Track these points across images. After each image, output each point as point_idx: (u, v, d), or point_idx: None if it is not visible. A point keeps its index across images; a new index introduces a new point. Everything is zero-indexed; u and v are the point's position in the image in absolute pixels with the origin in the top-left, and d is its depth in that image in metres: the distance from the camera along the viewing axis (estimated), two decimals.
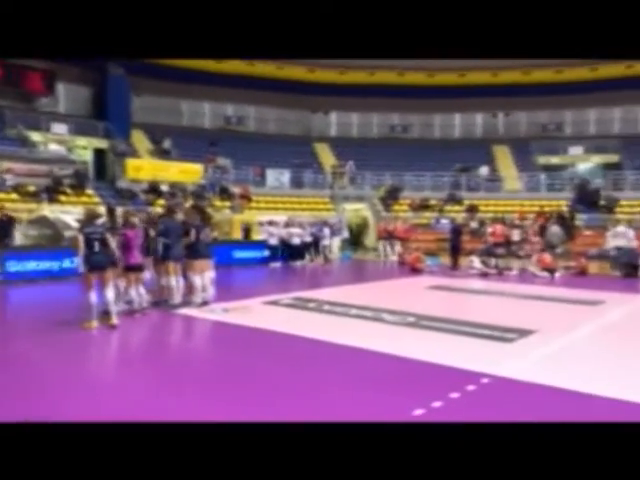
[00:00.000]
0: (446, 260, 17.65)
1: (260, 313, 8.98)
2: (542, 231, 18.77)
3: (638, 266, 15.25)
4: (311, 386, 5.20)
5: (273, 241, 17.52)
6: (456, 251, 17.02)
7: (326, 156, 30.10)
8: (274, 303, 9.85)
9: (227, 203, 22.92)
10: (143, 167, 23.04)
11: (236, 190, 23.99)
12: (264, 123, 31.77)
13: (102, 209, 12.59)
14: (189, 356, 6.56)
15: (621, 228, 16.82)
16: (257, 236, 18.68)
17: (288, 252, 17.75)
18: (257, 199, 24.57)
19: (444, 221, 23.65)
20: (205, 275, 9.39)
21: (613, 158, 28.19)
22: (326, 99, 30.88)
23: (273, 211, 23.21)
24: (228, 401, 4.71)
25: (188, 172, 23.78)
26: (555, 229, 17.90)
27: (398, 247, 19.67)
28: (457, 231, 17.60)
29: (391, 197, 26.05)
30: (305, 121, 32.43)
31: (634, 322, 9.00)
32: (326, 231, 18.92)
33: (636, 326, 8.62)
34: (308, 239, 18.10)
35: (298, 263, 17.64)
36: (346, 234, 23.36)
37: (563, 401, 4.86)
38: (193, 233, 9.22)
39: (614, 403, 4.76)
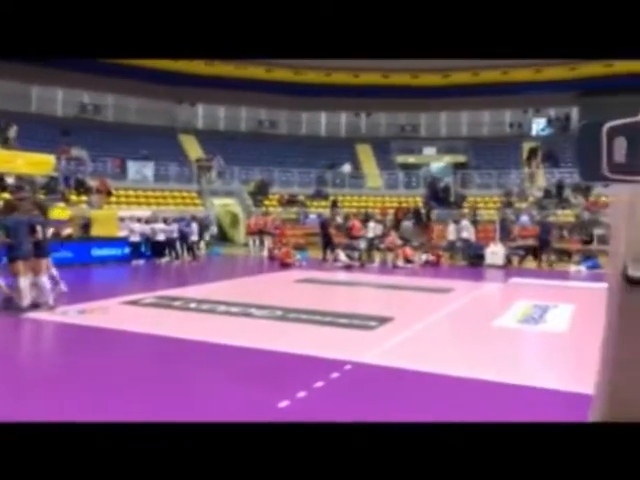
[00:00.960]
0: (316, 254, 18.20)
1: (119, 314, 8.50)
2: (397, 226, 20.16)
3: (483, 256, 16.92)
4: (172, 385, 5.03)
5: (135, 238, 16.68)
6: (326, 244, 17.62)
7: (193, 149, 29.28)
8: (134, 303, 9.38)
9: (84, 197, 21.33)
10: None
11: (94, 184, 22.40)
12: (125, 113, 30.01)
13: None
14: (36, 362, 6.01)
15: (464, 222, 18.71)
16: (117, 232, 17.58)
17: (152, 249, 17.01)
18: (118, 193, 23.19)
19: (312, 216, 24.28)
20: (42, 275, 8.71)
21: (461, 158, 30.94)
22: (192, 90, 30.01)
23: (136, 206, 22.08)
24: (80, 403, 4.39)
25: (37, 164, 21.65)
26: (407, 224, 19.26)
27: (268, 242, 19.79)
28: (324, 225, 18.32)
29: (260, 192, 26.12)
30: (170, 112, 31.24)
31: (479, 307, 9.98)
32: (194, 226, 18.40)
33: (480, 310, 9.57)
34: (174, 235, 17.47)
35: (163, 260, 16.92)
36: (215, 230, 22.99)
37: (420, 382, 5.24)
38: (40, 230, 8.52)
39: (463, 381, 5.23)
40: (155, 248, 17.01)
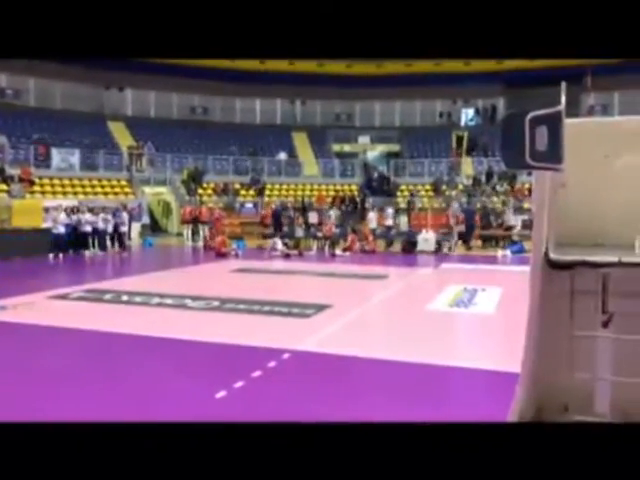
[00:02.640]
0: (252, 243, 18.14)
1: (46, 309, 8.10)
2: (336, 214, 20.43)
3: (416, 243, 17.40)
4: (107, 381, 4.86)
5: (59, 229, 15.70)
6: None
7: (122, 136, 28.14)
8: (63, 297, 8.96)
9: (4, 187, 20.06)
10: None
11: (14, 172, 21.10)
12: (48, 97, 28.36)
13: None
14: None
15: (389, 210, 19.85)
16: (41, 223, 16.64)
17: (78, 241, 16.13)
18: (42, 182, 21.97)
19: (248, 205, 24.05)
20: None
21: (395, 147, 31.55)
22: (120, 75, 28.73)
23: (62, 195, 21.03)
24: (11, 403, 4.15)
25: None
26: (335, 212, 19.58)
27: (205, 232, 19.40)
28: (278, 214, 18.75)
29: (194, 181, 25.53)
30: (97, 98, 29.85)
31: (413, 292, 10.26)
32: (123, 216, 17.68)
33: (414, 295, 9.84)
34: (101, 226, 16.74)
35: (89, 252, 16.11)
36: (146, 219, 22.30)
37: (358, 367, 5.34)
38: None
39: (399, 365, 5.37)
40: (80, 240, 16.17)
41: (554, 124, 2.93)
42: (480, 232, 18.97)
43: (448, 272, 12.95)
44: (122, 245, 17.26)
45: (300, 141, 31.41)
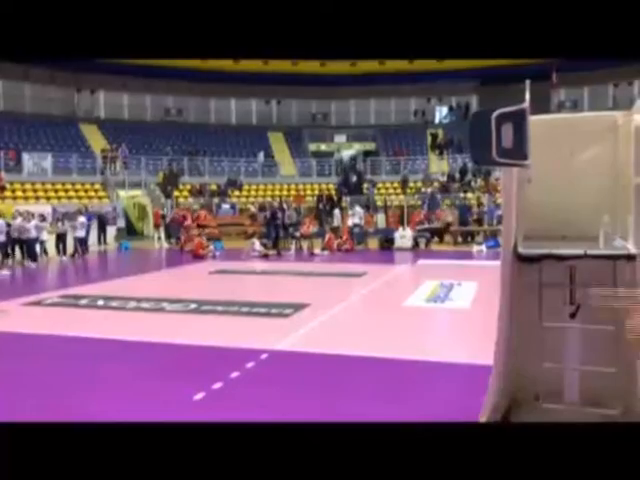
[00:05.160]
0: (230, 244, 18.08)
1: (21, 316, 7.95)
2: (318, 213, 20.56)
3: (393, 240, 17.53)
4: (86, 385, 4.80)
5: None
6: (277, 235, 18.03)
7: (95, 139, 27.72)
8: (37, 304, 8.80)
9: None
10: None
11: None
12: (17, 100, 27.77)
13: None
14: None
15: (357, 208, 20.13)
16: None
17: (21, 249, 14.62)
18: (13, 187, 21.53)
19: (225, 206, 23.92)
20: None
21: (371, 146, 31.70)
22: (92, 77, 28.32)
23: (34, 200, 20.65)
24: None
25: None
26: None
27: (182, 234, 19.18)
28: (275, 215, 18.66)
29: (170, 183, 25.29)
30: (69, 100, 29.35)
31: (390, 289, 10.34)
32: (81, 220, 16.58)
33: (391, 292, 9.91)
34: (44, 237, 15.24)
35: (32, 263, 14.30)
36: (122, 223, 22.02)
37: (336, 365, 5.37)
38: None
39: (377, 361, 5.42)
40: (24, 248, 14.56)
41: (519, 121, 3.00)
42: (459, 228, 19.22)
43: (425, 268, 13.08)
44: (75, 250, 16.09)
45: (276, 141, 31.35)
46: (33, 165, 23.33)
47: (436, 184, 25.87)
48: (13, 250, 14.68)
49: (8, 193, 21.02)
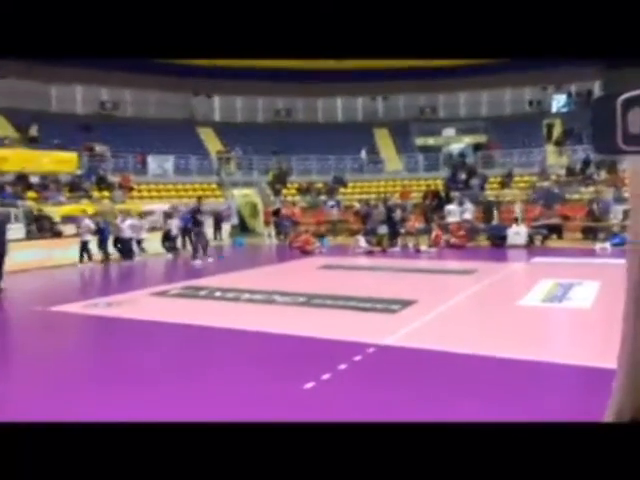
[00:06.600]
0: (335, 241, 18.38)
1: (148, 305, 8.70)
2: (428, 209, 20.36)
3: (505, 237, 16.77)
4: (205, 371, 5.16)
5: (86, 237, 14.48)
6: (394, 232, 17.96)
7: (211, 141, 29.45)
8: (162, 294, 9.57)
9: (106, 193, 21.68)
10: (9, 157, 21.01)
11: (115, 179, 22.74)
12: (143, 107, 30.28)
13: None
14: (82, 355, 6.21)
15: (467, 204, 19.23)
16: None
17: (118, 247, 15.47)
18: (139, 188, 23.51)
19: (331, 203, 24.28)
20: None
21: (481, 138, 30.50)
22: (208, 82, 30.08)
23: (157, 200, 22.38)
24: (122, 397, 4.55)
25: (62, 162, 22.06)
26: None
27: (292, 230, 19.82)
28: (391, 209, 18.79)
29: (279, 181, 26.20)
30: (187, 105, 31.43)
31: (503, 287, 9.92)
32: (172, 221, 16.95)
33: (504, 291, 9.51)
34: (143, 235, 15.98)
35: (127, 261, 15.13)
36: (235, 220, 23.19)
37: (445, 362, 5.28)
38: None
39: (488, 360, 5.26)
40: (121, 246, 15.48)
41: None
42: (583, 224, 17.98)
43: (541, 266, 12.37)
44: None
45: (382, 137, 31.23)
46: (157, 167, 25.33)
47: (553, 177, 24.32)
48: (115, 247, 15.53)
49: (135, 193, 22.98)
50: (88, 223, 14.61)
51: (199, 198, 17.51)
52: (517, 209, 19.39)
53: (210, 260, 14.71)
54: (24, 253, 12.61)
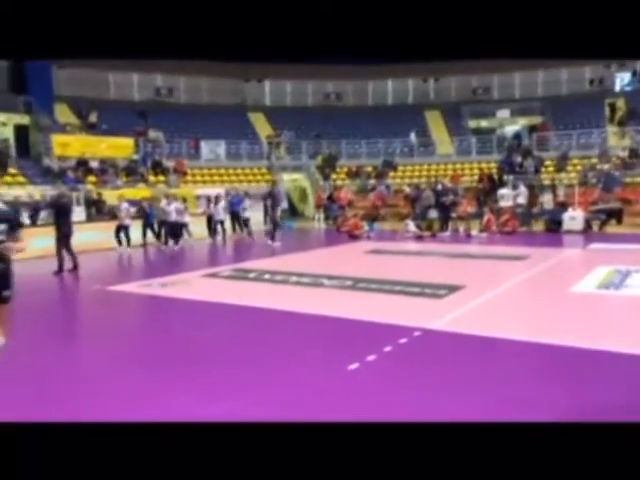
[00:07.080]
0: (384, 226, 18.29)
1: (200, 286, 8.98)
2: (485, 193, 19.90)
3: (561, 222, 16.22)
4: (257, 348, 5.33)
5: (126, 221, 14.44)
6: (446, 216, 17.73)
7: (262, 126, 29.73)
8: (213, 276, 9.86)
9: (161, 178, 22.36)
10: (70, 143, 21.99)
11: (170, 164, 23.40)
12: (196, 93, 30.87)
13: None
14: (151, 335, 6.52)
15: (522, 188, 18.41)
16: (195, 210, 18.22)
17: (166, 231, 15.50)
18: (192, 172, 24.09)
19: (380, 187, 24.12)
20: None
21: (537, 120, 29.39)
22: (258, 66, 30.27)
23: (210, 184, 22.87)
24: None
25: (119, 147, 22.92)
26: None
27: (340, 214, 19.90)
28: (445, 193, 18.29)
29: (328, 166, 26.20)
30: (239, 90, 31.79)
31: (556, 273, 9.64)
32: (247, 203, 17.41)
33: (557, 277, 9.23)
34: (186, 219, 15.71)
35: (170, 244, 15.17)
36: (285, 204, 23.43)
37: (492, 347, 5.23)
38: None
39: (537, 346, 5.17)
40: (169, 230, 15.45)
41: None
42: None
43: (598, 252, 11.93)
44: (248, 232, 16.78)
45: (433, 119, 30.62)
46: (209, 152, 25.86)
47: (615, 160, 23.21)
48: (160, 231, 15.68)
49: (189, 177, 23.58)
50: (127, 207, 14.65)
51: (273, 182, 18.59)
52: (560, 193, 18.75)
53: (278, 244, 14.83)
54: (84, 235, 13.21)
